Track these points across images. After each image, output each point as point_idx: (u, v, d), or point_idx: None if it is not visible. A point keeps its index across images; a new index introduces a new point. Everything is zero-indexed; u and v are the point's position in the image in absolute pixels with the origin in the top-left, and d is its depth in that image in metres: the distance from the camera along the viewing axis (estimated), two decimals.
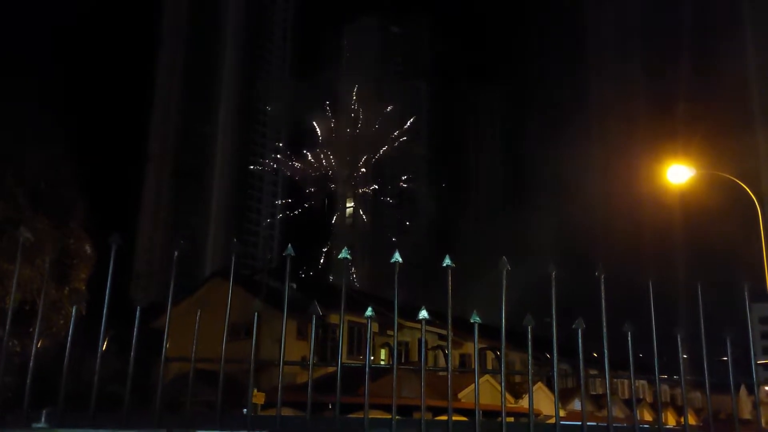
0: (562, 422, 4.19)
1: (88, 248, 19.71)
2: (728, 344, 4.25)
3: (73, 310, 4.01)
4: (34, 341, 4.04)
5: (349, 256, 4.06)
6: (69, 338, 3.75)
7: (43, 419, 3.52)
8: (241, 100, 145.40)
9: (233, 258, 4.30)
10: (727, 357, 4.23)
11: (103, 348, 3.80)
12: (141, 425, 3.62)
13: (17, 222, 16.47)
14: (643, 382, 46.02)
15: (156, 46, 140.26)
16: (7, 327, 4.24)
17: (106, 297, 3.77)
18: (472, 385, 4.18)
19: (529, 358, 4.27)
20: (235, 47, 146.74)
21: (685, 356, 4.29)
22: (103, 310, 3.84)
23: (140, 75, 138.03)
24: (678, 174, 20.30)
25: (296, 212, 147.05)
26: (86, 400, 3.64)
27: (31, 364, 3.73)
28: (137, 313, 3.85)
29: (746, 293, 4.44)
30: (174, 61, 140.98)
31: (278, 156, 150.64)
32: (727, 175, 20.14)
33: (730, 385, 4.36)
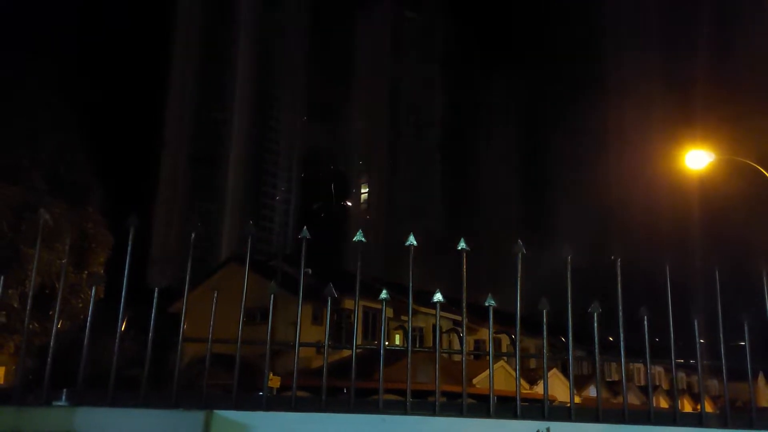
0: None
1: (105, 232, 19.88)
2: (746, 328, 4.23)
3: (92, 290, 4.07)
4: (55, 322, 4.11)
5: (363, 239, 4.08)
6: (89, 319, 3.81)
7: (63, 398, 3.59)
8: (257, 85, 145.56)
9: (249, 240, 4.34)
10: (745, 342, 4.21)
11: (122, 329, 3.85)
12: (158, 405, 3.67)
13: (35, 206, 16.65)
14: (660, 369, 45.83)
15: (172, 31, 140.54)
16: (28, 310, 4.31)
17: (125, 276, 3.82)
18: (487, 371, 4.18)
19: (545, 342, 4.27)
20: (249, 34, 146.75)
21: (702, 341, 4.27)
22: (121, 294, 3.88)
23: (156, 60, 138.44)
24: (697, 159, 20.05)
25: (312, 200, 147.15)
26: (105, 380, 3.70)
27: (51, 343, 3.79)
28: (155, 294, 3.89)
29: (765, 278, 4.40)
30: (190, 46, 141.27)
31: (293, 139, 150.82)
32: (747, 161, 19.87)
33: (747, 372, 4.33)
